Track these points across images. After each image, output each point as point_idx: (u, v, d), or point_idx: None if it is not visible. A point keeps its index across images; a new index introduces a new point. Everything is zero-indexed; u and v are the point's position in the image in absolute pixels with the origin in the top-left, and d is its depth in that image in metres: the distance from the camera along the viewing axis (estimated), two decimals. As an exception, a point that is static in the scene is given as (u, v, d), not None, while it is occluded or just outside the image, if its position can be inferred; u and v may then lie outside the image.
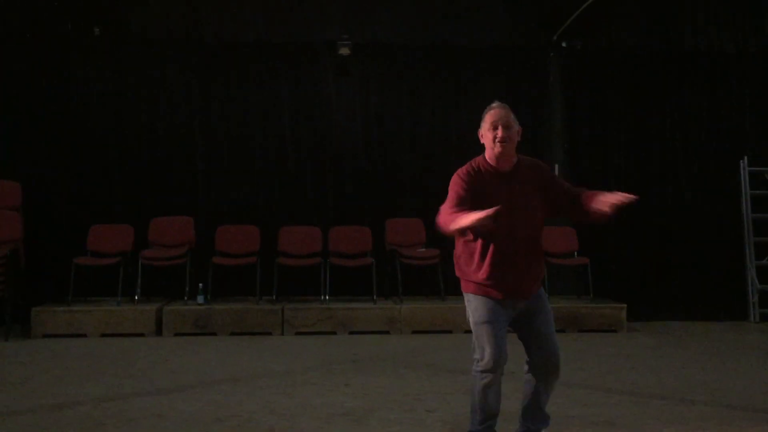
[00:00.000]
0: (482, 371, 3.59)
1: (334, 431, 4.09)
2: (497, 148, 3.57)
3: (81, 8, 8.11)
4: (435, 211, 8.56)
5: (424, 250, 8.06)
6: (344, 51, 8.36)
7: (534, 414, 3.68)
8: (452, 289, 8.02)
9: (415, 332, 7.48)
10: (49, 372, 5.66)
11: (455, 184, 3.63)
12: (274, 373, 5.64)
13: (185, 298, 7.67)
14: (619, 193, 3.35)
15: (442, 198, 8.49)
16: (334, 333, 7.42)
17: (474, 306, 3.61)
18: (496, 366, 3.53)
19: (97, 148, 8.20)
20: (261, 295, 7.76)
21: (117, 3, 8.18)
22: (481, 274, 3.54)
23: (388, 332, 7.47)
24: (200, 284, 7.60)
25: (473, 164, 3.67)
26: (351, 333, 7.43)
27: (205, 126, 8.40)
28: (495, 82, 8.55)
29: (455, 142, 8.56)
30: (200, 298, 7.57)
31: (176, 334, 7.22)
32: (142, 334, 7.16)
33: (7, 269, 7.03)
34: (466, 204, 3.50)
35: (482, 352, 3.58)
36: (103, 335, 7.14)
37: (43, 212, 7.84)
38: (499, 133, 3.56)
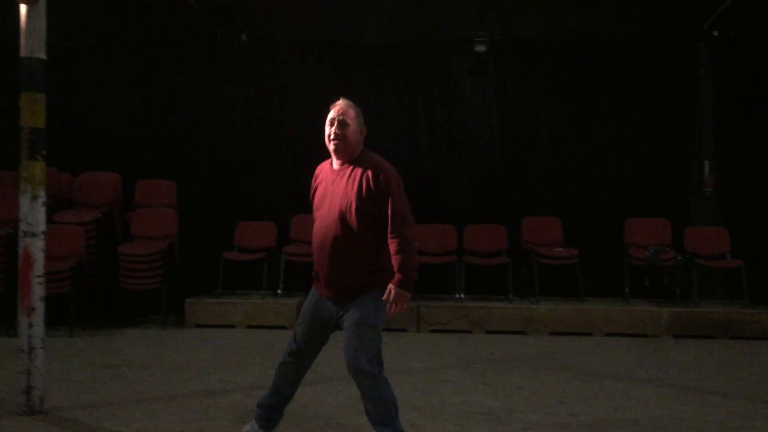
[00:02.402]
0: (286, 352, 3.68)
1: (475, 430, 4.07)
2: (329, 145, 3.54)
3: (229, 16, 8.55)
4: (574, 209, 8.34)
5: (562, 249, 7.87)
6: (480, 48, 8.32)
7: (369, 417, 3.55)
8: (591, 289, 7.84)
9: (552, 334, 7.32)
10: (202, 360, 6.02)
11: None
12: (412, 370, 5.70)
13: (324, 293, 7.89)
14: (394, 301, 3.36)
15: (581, 195, 8.23)
16: (470, 331, 7.39)
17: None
18: (293, 352, 3.63)
19: (243, 148, 8.62)
20: (397, 292, 7.85)
21: (261, 10, 8.54)
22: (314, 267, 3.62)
23: (524, 333, 7.35)
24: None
25: (325, 162, 3.70)
26: (486, 332, 7.37)
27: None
28: (639, 74, 8.21)
29: (596, 138, 8.31)
30: (338, 294, 7.76)
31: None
32: (284, 327, 7.46)
33: (163, 263, 7.53)
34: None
35: (293, 335, 3.68)
36: (249, 326, 7.50)
37: (196, 210, 8.33)
38: (332, 130, 3.52)
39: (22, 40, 4.40)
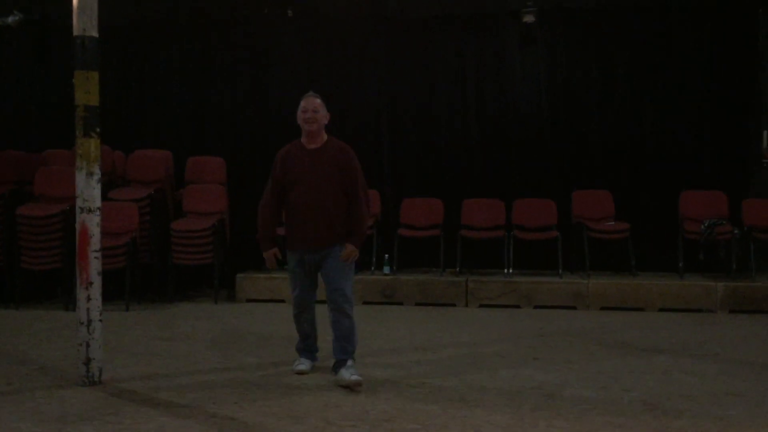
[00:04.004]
0: (293, 306, 4.73)
1: (526, 404, 4.05)
2: (306, 126, 4.51)
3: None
4: (626, 182, 8.19)
5: (613, 223, 7.73)
6: (528, 18, 8.15)
7: (338, 345, 4.56)
8: (643, 264, 7.69)
9: (603, 308, 7.21)
10: (253, 333, 6.12)
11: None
12: (461, 344, 5.70)
13: (372, 268, 7.93)
14: (347, 255, 4.45)
15: (634, 167, 8.05)
16: (518, 306, 7.34)
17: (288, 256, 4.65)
18: (300, 305, 4.65)
19: (291, 124, 8.63)
20: (444, 267, 7.85)
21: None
22: (289, 231, 4.57)
23: (574, 308, 7.27)
24: (386, 255, 7.83)
25: (291, 143, 4.62)
26: (536, 307, 7.32)
27: (391, 100, 8.58)
28: (695, 43, 7.96)
29: (649, 109, 8.10)
30: (386, 269, 7.80)
31: (364, 303, 7.50)
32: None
33: (214, 239, 7.65)
34: (278, 185, 4.56)
35: (292, 292, 4.70)
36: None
37: (246, 186, 8.41)
38: (308, 114, 4.49)
39: (75, 19, 4.47)
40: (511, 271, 7.72)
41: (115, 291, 6.95)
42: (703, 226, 7.48)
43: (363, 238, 4.59)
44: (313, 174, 4.45)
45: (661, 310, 7.13)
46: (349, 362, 4.51)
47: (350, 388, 4.29)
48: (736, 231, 7.47)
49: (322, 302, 4.68)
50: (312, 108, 4.52)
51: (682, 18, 8.04)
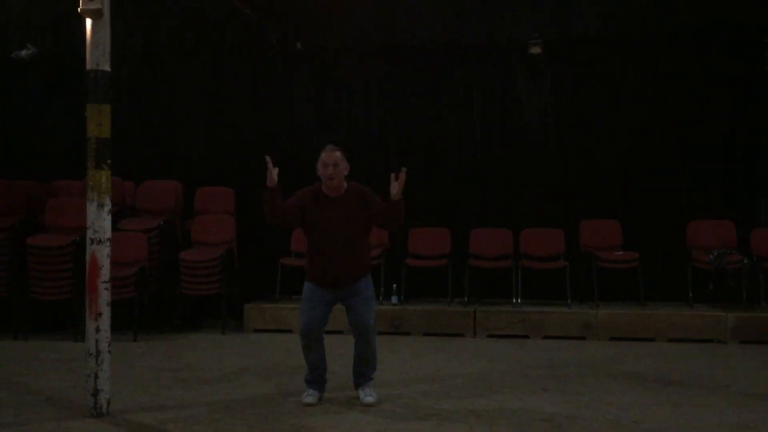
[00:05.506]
0: (300, 335, 4.81)
1: (535, 437, 4.02)
2: (327, 183, 4.70)
3: (284, 24, 8.66)
4: (634, 211, 8.19)
5: (622, 253, 7.71)
6: (535, 50, 8.21)
7: (361, 367, 4.83)
8: (652, 294, 7.66)
9: (612, 339, 7.17)
10: (261, 364, 6.10)
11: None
12: (469, 374, 5.66)
13: (380, 298, 7.91)
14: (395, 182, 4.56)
15: (642, 197, 8.06)
16: (527, 337, 7.30)
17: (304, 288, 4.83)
18: (309, 336, 4.74)
19: (300, 154, 8.70)
20: (452, 296, 7.84)
21: (314, 16, 8.63)
22: (312, 269, 4.77)
23: (583, 338, 7.23)
24: (394, 285, 7.82)
25: (313, 187, 4.81)
26: (544, 338, 7.27)
27: (398, 129, 8.64)
28: (702, 71, 7.98)
29: (656, 138, 8.13)
30: (394, 299, 7.79)
31: (372, 333, 7.45)
32: (341, 332, 7.49)
33: (223, 268, 7.67)
34: (291, 209, 4.73)
35: (300, 318, 4.80)
36: (306, 332, 7.55)
37: (254, 216, 8.43)
38: (329, 171, 4.66)
39: (88, 54, 4.55)
40: (519, 301, 7.70)
41: (124, 320, 6.95)
42: (712, 256, 7.45)
43: (401, 204, 4.65)
44: (335, 220, 4.65)
45: (671, 340, 7.08)
46: (368, 383, 4.81)
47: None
48: (745, 260, 7.44)
49: (330, 333, 4.69)
50: (332, 162, 4.66)
51: (688, 46, 8.08)
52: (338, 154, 4.70)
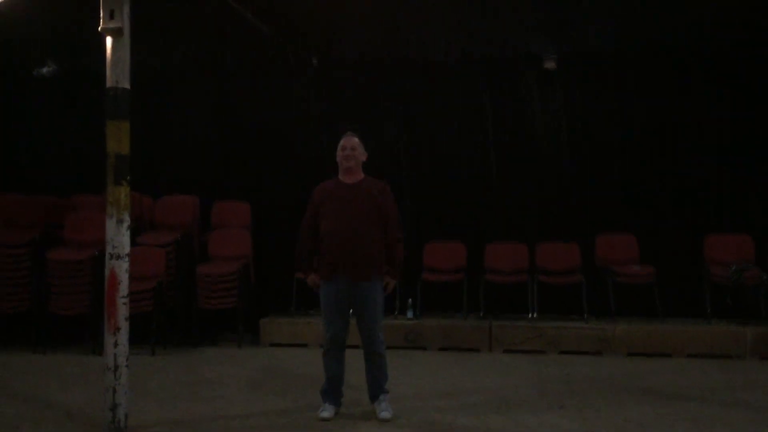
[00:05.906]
0: (327, 342, 4.88)
1: (552, 453, 4.00)
2: (344, 164, 4.81)
3: (300, 41, 8.74)
4: (652, 226, 8.13)
5: (638, 267, 7.67)
6: (549, 65, 8.25)
7: (374, 381, 4.88)
8: (669, 308, 7.60)
9: (630, 354, 7.12)
10: (277, 379, 6.12)
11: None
12: (485, 390, 5.65)
13: (395, 313, 7.91)
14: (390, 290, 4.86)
15: (658, 211, 8.00)
16: (543, 352, 7.27)
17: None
18: (334, 342, 4.85)
19: (315, 169, 8.76)
20: (468, 311, 7.83)
21: (329, 32, 8.70)
22: (325, 260, 4.75)
23: (600, 353, 7.18)
24: (409, 299, 7.82)
25: (327, 181, 4.89)
26: (561, 352, 7.24)
27: (412, 143, 8.67)
28: (717, 84, 7.95)
29: (672, 152, 8.10)
30: (409, 313, 7.79)
31: (387, 347, 7.41)
32: (356, 346, 7.49)
33: (239, 283, 7.71)
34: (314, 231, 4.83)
35: (326, 332, 4.89)
36: (321, 346, 7.56)
37: (270, 231, 8.50)
38: (347, 152, 4.80)
39: (108, 71, 4.62)
40: (535, 315, 7.68)
41: (141, 334, 6.99)
42: (731, 270, 7.39)
43: (401, 270, 4.89)
44: (350, 207, 4.71)
45: (689, 355, 7.02)
46: (383, 396, 4.85)
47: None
48: (764, 275, 7.38)
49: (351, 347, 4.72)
50: (350, 146, 4.82)
51: (703, 60, 8.06)
52: (356, 140, 4.85)
